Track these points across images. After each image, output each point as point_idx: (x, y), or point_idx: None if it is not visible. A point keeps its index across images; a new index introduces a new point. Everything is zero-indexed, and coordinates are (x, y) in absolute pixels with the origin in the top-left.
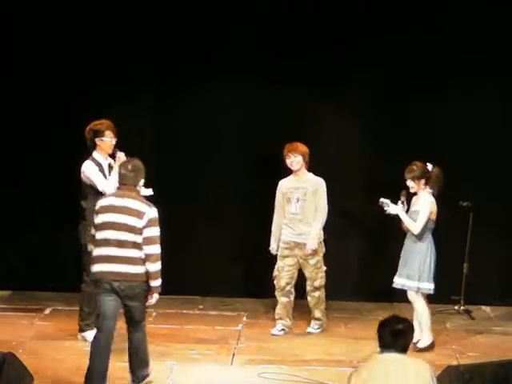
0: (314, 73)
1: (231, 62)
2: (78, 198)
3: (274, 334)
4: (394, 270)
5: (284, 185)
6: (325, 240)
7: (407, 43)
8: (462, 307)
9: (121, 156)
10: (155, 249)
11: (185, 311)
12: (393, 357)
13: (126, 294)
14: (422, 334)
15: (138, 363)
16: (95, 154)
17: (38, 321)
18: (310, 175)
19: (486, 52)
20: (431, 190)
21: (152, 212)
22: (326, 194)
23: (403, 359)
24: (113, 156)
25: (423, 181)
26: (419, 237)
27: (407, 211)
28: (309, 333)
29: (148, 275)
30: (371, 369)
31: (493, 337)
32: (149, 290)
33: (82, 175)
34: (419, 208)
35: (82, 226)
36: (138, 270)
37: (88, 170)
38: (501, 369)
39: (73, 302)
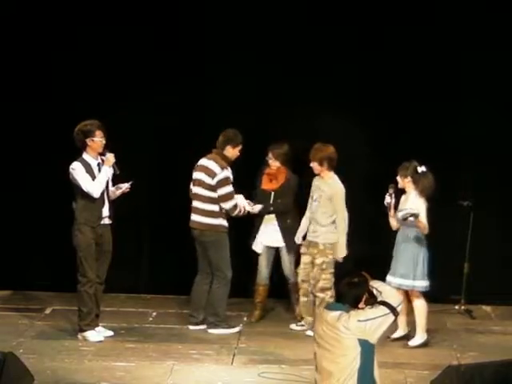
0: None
1: (235, 62)
2: None
3: (291, 329)
4: None
5: (312, 182)
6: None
7: (408, 43)
8: (462, 307)
9: (109, 158)
10: (229, 204)
11: (185, 311)
12: (332, 313)
13: (201, 240)
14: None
15: (208, 309)
16: (85, 155)
17: (37, 321)
18: (332, 179)
19: (485, 52)
20: (418, 191)
21: (222, 173)
22: (343, 200)
23: (338, 317)
24: (103, 156)
25: (409, 179)
26: (418, 236)
27: (396, 206)
28: (308, 336)
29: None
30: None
31: (493, 336)
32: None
33: (70, 176)
34: (409, 208)
35: (73, 226)
36: (213, 221)
37: (74, 171)
38: (501, 369)
39: (73, 302)
